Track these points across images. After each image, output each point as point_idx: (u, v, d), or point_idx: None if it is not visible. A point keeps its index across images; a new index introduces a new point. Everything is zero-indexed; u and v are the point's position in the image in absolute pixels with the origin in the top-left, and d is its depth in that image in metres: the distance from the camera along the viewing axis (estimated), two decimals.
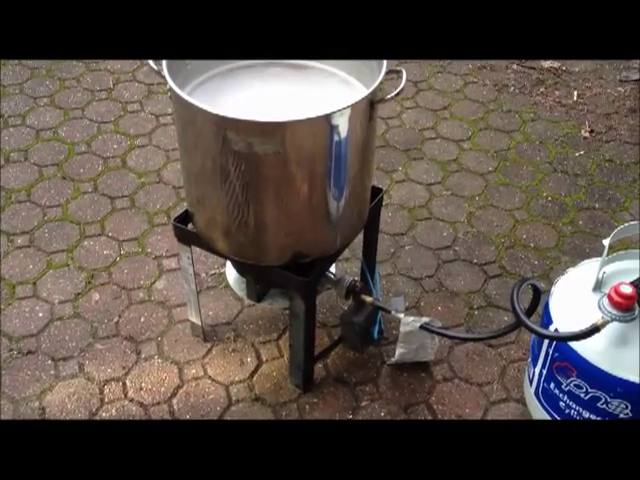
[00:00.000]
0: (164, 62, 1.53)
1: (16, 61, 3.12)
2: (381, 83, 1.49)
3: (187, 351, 2.01)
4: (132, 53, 1.52)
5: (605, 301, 1.40)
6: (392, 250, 2.35)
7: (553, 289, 1.61)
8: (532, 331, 1.48)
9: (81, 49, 1.48)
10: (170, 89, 1.49)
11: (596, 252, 2.25)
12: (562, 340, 1.46)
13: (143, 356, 2.00)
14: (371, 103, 1.50)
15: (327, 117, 1.41)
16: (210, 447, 1.08)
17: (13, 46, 1.44)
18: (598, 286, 1.50)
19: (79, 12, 1.43)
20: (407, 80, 1.62)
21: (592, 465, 1.02)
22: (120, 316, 2.10)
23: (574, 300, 1.54)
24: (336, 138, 1.46)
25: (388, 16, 1.45)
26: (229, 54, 1.58)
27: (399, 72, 1.59)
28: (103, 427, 1.14)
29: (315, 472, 1.06)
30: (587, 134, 2.84)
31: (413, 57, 2.73)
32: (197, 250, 1.83)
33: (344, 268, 2.25)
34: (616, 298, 1.37)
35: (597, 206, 2.52)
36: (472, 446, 1.08)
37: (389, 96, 1.52)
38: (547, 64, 3.22)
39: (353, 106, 1.44)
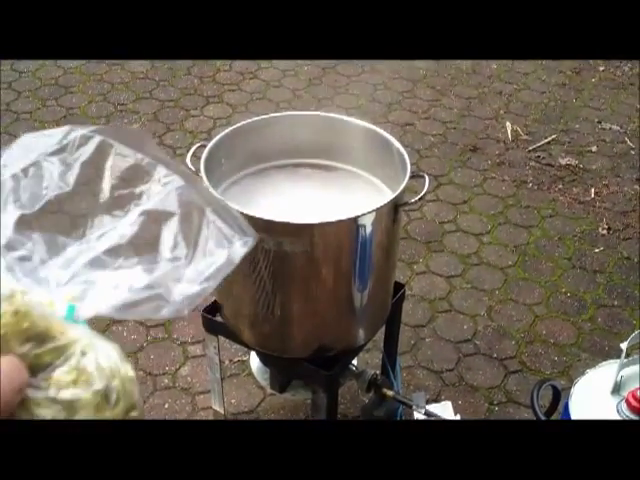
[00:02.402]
0: (202, 163, 1.63)
1: None
2: (404, 188, 1.58)
3: None
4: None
5: (623, 405, 1.42)
6: (413, 342, 2.39)
7: (572, 390, 1.64)
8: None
9: (85, 49, 1.45)
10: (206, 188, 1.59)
11: (615, 350, 2.26)
12: None
13: None
14: (395, 206, 1.58)
15: (353, 220, 1.50)
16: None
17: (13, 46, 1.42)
18: (616, 389, 1.53)
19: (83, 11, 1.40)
20: (428, 174, 1.71)
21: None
22: (145, 402, 2.14)
23: (593, 403, 1.56)
24: (361, 239, 1.54)
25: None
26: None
27: (422, 177, 1.68)
28: None
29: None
30: (605, 231, 2.90)
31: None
32: (222, 338, 1.88)
33: (365, 359, 2.29)
34: (634, 403, 1.39)
35: (616, 303, 2.55)
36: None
37: (412, 200, 1.61)
38: (564, 161, 3.33)
39: (378, 210, 1.52)
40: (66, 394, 0.48)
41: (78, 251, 0.53)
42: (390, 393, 1.85)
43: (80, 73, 3.87)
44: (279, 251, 1.52)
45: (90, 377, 0.49)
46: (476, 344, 2.38)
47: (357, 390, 2.15)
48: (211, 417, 2.08)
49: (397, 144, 1.72)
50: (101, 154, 0.56)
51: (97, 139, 0.56)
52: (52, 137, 0.55)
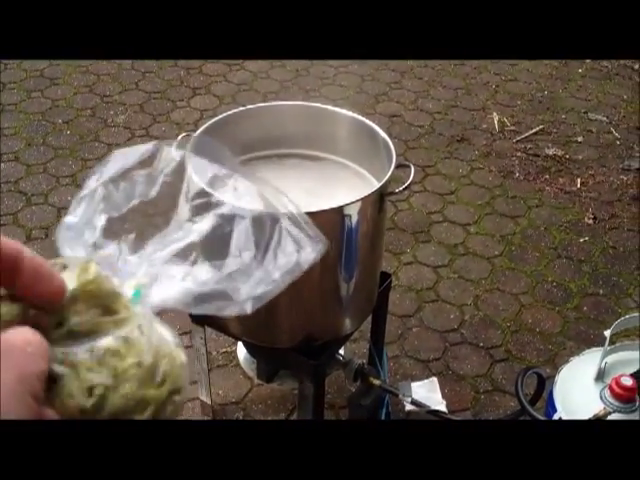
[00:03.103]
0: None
1: (42, 140, 3.27)
2: (390, 178, 1.58)
3: None
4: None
5: (607, 392, 1.44)
6: (400, 332, 2.40)
7: (557, 377, 1.65)
8: (535, 421, 1.52)
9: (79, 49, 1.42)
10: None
11: (600, 338, 2.28)
12: None
13: None
14: (381, 196, 1.59)
15: (339, 209, 1.50)
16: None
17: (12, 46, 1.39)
18: (600, 376, 1.54)
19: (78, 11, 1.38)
20: (415, 165, 1.71)
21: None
22: None
23: (577, 389, 1.58)
24: (347, 229, 1.54)
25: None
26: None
27: (408, 167, 1.68)
28: None
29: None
30: (590, 221, 2.92)
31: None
32: (208, 329, 1.88)
33: (352, 349, 2.29)
34: (617, 390, 1.41)
35: (601, 292, 2.57)
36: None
37: (398, 189, 1.61)
38: (551, 152, 3.34)
39: (364, 199, 1.52)
40: (113, 360, 0.49)
41: (154, 249, 0.57)
42: (377, 382, 1.86)
43: (65, 65, 3.84)
44: None
45: (139, 351, 0.50)
46: (463, 333, 2.39)
47: (344, 380, 2.16)
48: (198, 408, 2.09)
49: (383, 134, 1.72)
50: (182, 168, 0.62)
51: (179, 154, 0.61)
52: (140, 152, 0.61)
